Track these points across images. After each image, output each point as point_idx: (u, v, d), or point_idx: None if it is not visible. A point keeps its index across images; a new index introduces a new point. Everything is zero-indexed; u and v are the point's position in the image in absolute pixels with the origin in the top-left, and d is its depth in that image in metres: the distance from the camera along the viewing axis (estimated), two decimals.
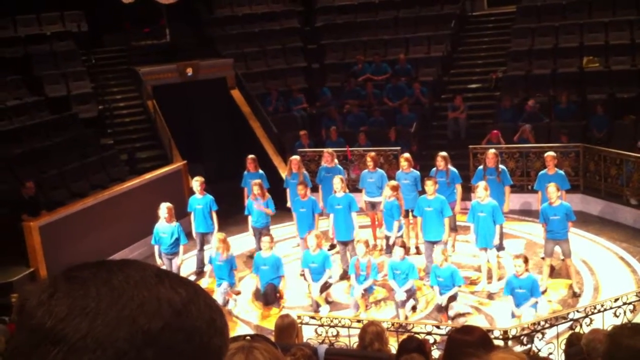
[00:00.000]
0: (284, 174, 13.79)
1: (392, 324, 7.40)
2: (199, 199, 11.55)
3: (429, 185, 10.29)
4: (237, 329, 9.49)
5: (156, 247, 10.72)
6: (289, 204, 12.40)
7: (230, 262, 10.29)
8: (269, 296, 10.13)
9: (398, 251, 9.30)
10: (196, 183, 11.61)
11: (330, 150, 12.84)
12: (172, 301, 0.93)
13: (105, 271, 0.94)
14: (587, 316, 7.22)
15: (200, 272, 11.59)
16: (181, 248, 10.75)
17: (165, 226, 10.62)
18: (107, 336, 0.87)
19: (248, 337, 1.92)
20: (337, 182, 10.90)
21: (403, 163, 11.68)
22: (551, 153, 11.35)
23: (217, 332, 0.97)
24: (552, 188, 9.85)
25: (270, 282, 10.08)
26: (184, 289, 0.96)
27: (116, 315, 0.88)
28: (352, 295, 9.74)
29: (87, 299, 0.90)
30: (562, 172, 11.37)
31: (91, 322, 0.88)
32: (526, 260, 8.72)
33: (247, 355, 1.62)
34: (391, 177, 12.29)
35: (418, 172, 11.80)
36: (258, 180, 11.51)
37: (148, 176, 13.51)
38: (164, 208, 10.69)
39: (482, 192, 9.88)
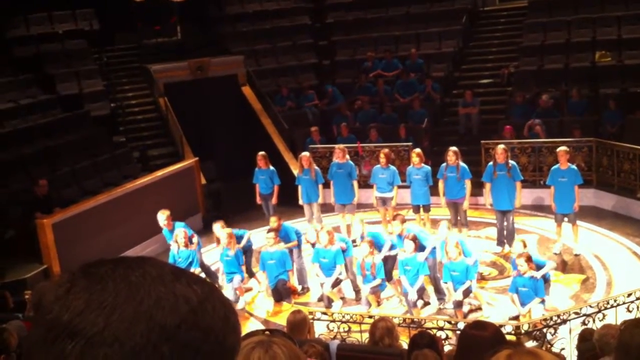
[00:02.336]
0: (295, 170, 13.80)
1: (404, 320, 7.40)
2: (169, 233, 10.86)
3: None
4: (248, 324, 9.51)
5: None
6: (300, 202, 12.42)
7: (238, 257, 10.30)
8: (282, 292, 10.15)
9: (408, 246, 9.25)
10: (162, 217, 10.78)
11: (341, 146, 12.84)
12: (189, 298, 0.93)
13: (123, 267, 0.94)
14: (599, 311, 7.20)
15: None
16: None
17: (182, 251, 10.35)
18: (124, 331, 0.88)
19: (267, 332, 1.93)
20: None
21: (414, 158, 11.68)
22: (564, 148, 11.29)
23: (231, 331, 0.98)
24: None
25: (279, 277, 10.09)
26: (199, 286, 0.96)
27: (133, 311, 0.89)
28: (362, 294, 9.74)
29: (104, 294, 0.90)
30: (574, 167, 11.31)
31: (108, 317, 0.88)
32: (529, 259, 8.66)
33: (267, 349, 1.62)
34: (402, 172, 12.29)
35: (429, 167, 11.79)
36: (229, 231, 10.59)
37: (160, 173, 13.55)
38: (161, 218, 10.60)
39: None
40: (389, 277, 10.09)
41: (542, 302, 8.61)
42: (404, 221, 9.87)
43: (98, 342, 0.87)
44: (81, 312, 0.88)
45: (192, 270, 10.29)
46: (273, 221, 10.74)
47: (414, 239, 9.29)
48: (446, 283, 9.31)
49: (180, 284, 0.94)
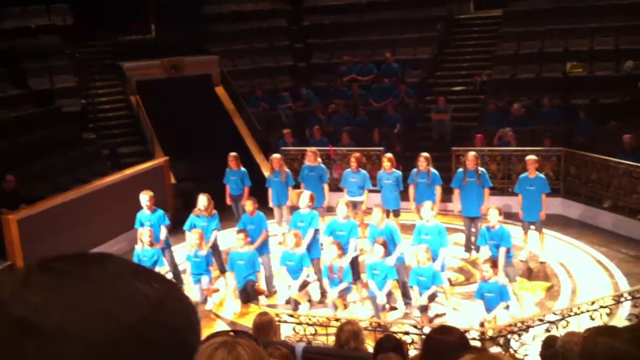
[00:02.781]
0: (266, 172, 13.78)
1: (370, 323, 7.41)
2: (148, 215, 10.77)
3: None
4: (215, 326, 9.47)
5: None
6: (270, 204, 12.39)
7: (208, 258, 10.26)
8: (250, 293, 10.11)
9: (378, 250, 9.27)
10: (145, 197, 10.71)
11: (313, 149, 12.85)
12: (148, 295, 0.91)
13: (82, 263, 0.93)
14: (563, 318, 7.27)
15: None
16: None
17: (147, 250, 10.21)
18: (83, 328, 0.86)
19: (231, 333, 1.92)
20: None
21: (385, 163, 11.72)
22: (532, 157, 11.42)
23: (191, 329, 0.96)
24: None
25: (248, 278, 10.04)
26: (159, 284, 0.95)
27: (92, 308, 0.87)
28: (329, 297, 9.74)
29: (62, 290, 0.88)
30: (542, 175, 11.44)
31: (66, 313, 0.86)
32: (494, 265, 8.74)
33: (230, 350, 1.61)
34: (373, 176, 12.33)
35: (400, 172, 11.83)
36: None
37: (129, 171, 13.44)
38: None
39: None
40: (357, 277, 10.11)
41: (507, 307, 8.68)
42: (383, 244, 9.64)
43: (55, 339, 0.84)
44: (38, 308, 0.86)
45: (157, 269, 10.23)
46: (248, 205, 10.74)
47: (384, 243, 9.31)
48: (412, 287, 9.35)
49: (139, 281, 0.92)
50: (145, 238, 10.11)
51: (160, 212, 10.81)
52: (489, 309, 8.63)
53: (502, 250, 9.34)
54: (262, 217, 10.73)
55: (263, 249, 10.61)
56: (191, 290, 10.51)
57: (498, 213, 9.58)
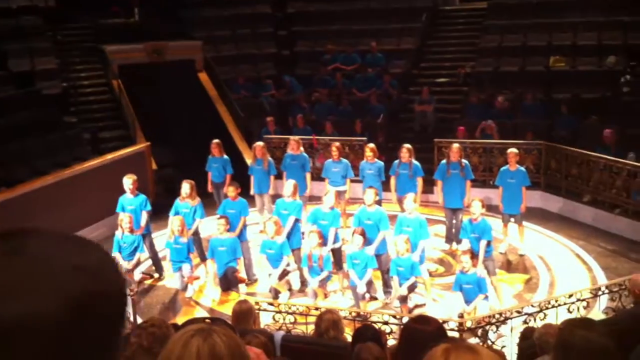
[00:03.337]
0: (249, 160, 13.74)
1: (350, 313, 7.43)
2: (131, 199, 10.69)
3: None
4: (194, 313, 9.45)
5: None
6: (252, 192, 12.36)
7: (189, 245, 10.22)
8: (230, 280, 10.07)
9: (357, 240, 9.27)
10: (128, 181, 10.59)
11: (296, 137, 12.83)
12: (87, 266, 0.92)
13: (17, 241, 0.93)
14: (541, 311, 7.33)
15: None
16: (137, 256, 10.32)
17: (127, 236, 10.17)
18: (35, 306, 0.85)
19: (207, 320, 1.90)
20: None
21: (368, 153, 11.73)
22: (513, 150, 11.49)
23: (125, 298, 0.98)
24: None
25: (229, 264, 10.01)
26: (94, 254, 0.95)
27: (39, 285, 0.87)
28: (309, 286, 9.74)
29: (10, 269, 0.88)
30: (523, 168, 11.51)
31: (7, 294, 0.86)
32: (473, 257, 8.77)
33: (206, 337, 1.60)
34: (355, 166, 12.34)
35: (382, 163, 11.85)
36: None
37: (110, 156, 13.34)
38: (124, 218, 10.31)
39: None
40: (339, 267, 10.13)
41: (486, 297, 8.73)
42: (362, 234, 9.48)
43: (6, 320, 0.85)
44: None
45: (137, 255, 10.19)
46: (231, 191, 10.72)
47: (362, 233, 9.31)
48: (392, 277, 9.38)
49: (77, 252, 0.94)
50: (125, 224, 10.05)
51: (142, 197, 10.74)
52: (467, 301, 8.67)
53: (483, 243, 9.37)
54: (243, 203, 10.70)
55: (241, 236, 10.59)
56: (171, 278, 10.49)
57: (481, 205, 9.59)
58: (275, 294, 9.82)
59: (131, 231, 10.10)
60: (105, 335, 0.93)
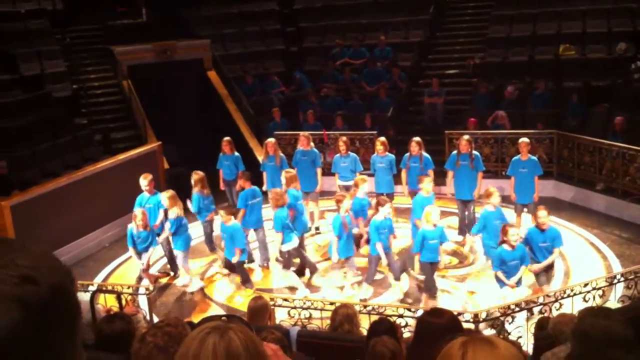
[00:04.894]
0: (259, 156, 13.75)
1: (364, 307, 7.43)
2: (147, 198, 10.84)
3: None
4: (209, 311, 9.47)
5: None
6: (264, 188, 12.37)
7: (151, 236, 10.20)
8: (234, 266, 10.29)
9: (384, 210, 9.34)
10: (144, 181, 10.76)
11: (306, 133, 12.83)
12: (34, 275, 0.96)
13: None
14: (556, 300, 7.29)
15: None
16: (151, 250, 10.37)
17: (142, 232, 10.19)
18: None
19: (224, 318, 1.91)
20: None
21: (379, 147, 11.72)
22: (525, 139, 11.44)
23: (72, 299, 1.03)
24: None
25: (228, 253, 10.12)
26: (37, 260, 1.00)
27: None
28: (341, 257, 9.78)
29: None
30: (535, 158, 11.46)
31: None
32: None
33: (222, 335, 1.61)
34: (367, 160, 12.33)
35: (393, 156, 11.84)
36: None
37: (122, 157, 13.39)
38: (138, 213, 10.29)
39: (428, 185, 10.07)
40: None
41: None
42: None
43: None
44: None
45: (150, 250, 10.20)
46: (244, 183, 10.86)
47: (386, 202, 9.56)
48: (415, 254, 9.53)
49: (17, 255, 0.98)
50: (139, 220, 10.08)
51: (158, 195, 10.79)
52: (511, 275, 8.57)
53: (557, 252, 9.04)
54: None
55: (256, 223, 10.70)
56: (183, 275, 10.50)
57: (547, 213, 8.99)
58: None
59: (145, 227, 10.13)
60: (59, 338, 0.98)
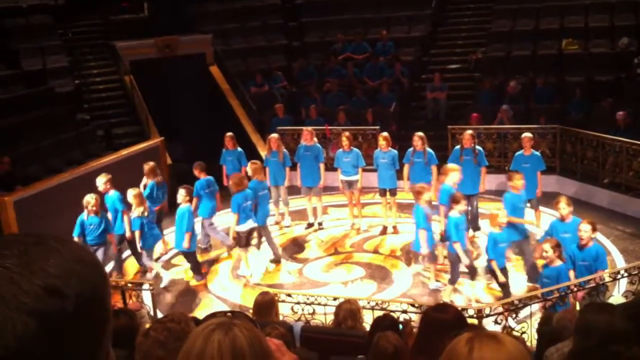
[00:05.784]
0: (262, 152, 13.74)
1: (368, 302, 7.43)
2: (106, 197, 10.48)
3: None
4: (213, 306, 9.49)
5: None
6: (268, 183, 12.37)
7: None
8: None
9: (460, 206, 9.00)
10: (103, 179, 10.40)
11: (309, 128, 12.80)
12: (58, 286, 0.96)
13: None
14: (560, 296, 7.30)
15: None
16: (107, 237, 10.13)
17: (92, 217, 9.86)
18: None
19: (229, 314, 1.90)
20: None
21: (381, 142, 11.70)
22: (528, 134, 11.43)
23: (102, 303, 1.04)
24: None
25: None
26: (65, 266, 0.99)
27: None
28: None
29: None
30: (538, 153, 11.45)
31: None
32: (557, 245, 7.81)
33: (227, 331, 1.61)
34: (369, 156, 12.32)
35: (396, 151, 11.82)
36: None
37: (124, 152, 13.38)
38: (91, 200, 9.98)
39: (454, 177, 9.83)
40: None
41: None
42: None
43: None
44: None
45: (108, 235, 10.06)
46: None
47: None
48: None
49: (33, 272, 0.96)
50: (91, 206, 9.75)
51: (116, 193, 10.49)
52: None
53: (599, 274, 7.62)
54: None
55: (262, 219, 10.72)
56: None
57: (592, 228, 7.79)
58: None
59: (96, 213, 9.83)
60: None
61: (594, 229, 7.89)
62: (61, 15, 17.69)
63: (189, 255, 10.28)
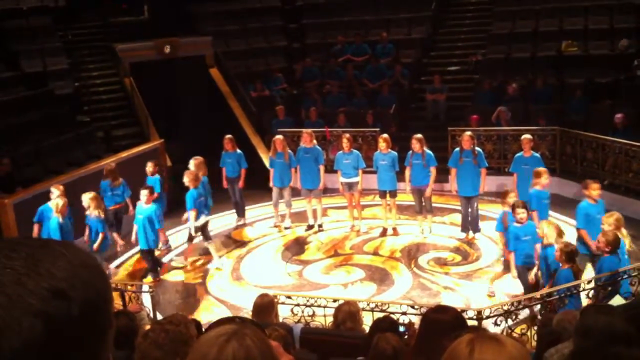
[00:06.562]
0: (262, 154, 13.75)
1: (368, 304, 7.43)
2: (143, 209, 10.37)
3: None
4: (212, 308, 9.48)
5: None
6: (271, 184, 12.36)
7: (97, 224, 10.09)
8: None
9: (520, 213, 8.58)
10: (144, 191, 10.32)
11: (309, 130, 12.80)
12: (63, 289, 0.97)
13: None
14: (560, 297, 7.30)
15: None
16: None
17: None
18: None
19: (237, 320, 1.90)
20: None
21: (381, 144, 11.70)
22: (527, 136, 11.44)
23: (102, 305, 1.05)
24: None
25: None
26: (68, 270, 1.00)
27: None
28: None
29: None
30: (537, 154, 11.46)
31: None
32: (524, 206, 8.56)
33: (241, 342, 1.61)
34: (369, 157, 12.33)
35: (396, 153, 11.82)
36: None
37: (124, 154, 13.38)
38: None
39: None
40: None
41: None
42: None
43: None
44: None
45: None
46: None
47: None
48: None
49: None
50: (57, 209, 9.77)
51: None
52: (530, 255, 8.38)
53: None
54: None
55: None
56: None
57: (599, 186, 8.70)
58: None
59: (62, 213, 9.71)
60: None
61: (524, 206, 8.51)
62: (61, 17, 17.69)
63: (147, 254, 10.34)
